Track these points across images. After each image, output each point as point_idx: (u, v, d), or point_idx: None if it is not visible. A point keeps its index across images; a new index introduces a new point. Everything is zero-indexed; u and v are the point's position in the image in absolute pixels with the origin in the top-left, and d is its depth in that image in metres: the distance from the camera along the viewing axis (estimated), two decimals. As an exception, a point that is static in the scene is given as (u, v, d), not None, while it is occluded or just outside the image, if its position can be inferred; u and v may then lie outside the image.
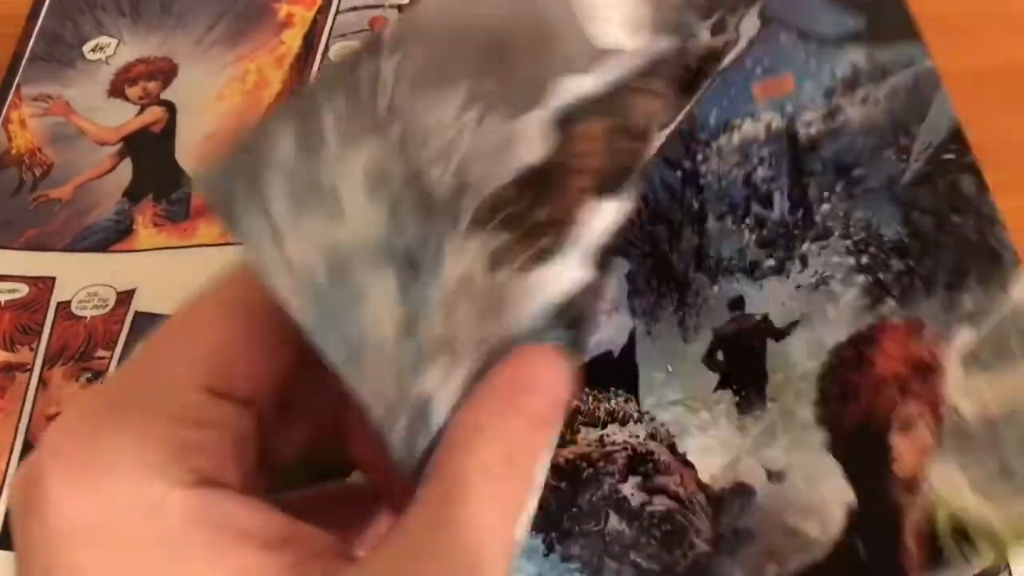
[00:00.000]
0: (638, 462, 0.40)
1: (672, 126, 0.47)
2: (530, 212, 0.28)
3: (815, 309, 0.41)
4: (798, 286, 0.42)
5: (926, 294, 0.40)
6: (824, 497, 0.38)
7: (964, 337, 0.39)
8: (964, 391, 0.38)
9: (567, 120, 0.30)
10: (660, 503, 0.39)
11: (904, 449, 0.38)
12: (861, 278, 0.41)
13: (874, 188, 0.43)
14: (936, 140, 0.43)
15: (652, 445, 0.40)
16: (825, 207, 0.43)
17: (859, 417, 0.39)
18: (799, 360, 0.40)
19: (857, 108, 0.45)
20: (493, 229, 0.28)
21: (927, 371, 0.38)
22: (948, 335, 0.39)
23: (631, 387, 0.42)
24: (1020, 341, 0.38)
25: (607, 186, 0.30)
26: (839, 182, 0.44)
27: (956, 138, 0.43)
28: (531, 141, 0.29)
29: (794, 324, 0.41)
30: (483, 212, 0.28)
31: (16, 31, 0.53)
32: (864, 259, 0.42)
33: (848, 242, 0.42)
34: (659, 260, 0.45)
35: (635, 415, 0.41)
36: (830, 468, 0.38)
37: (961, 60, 0.48)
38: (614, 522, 0.39)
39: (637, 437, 0.40)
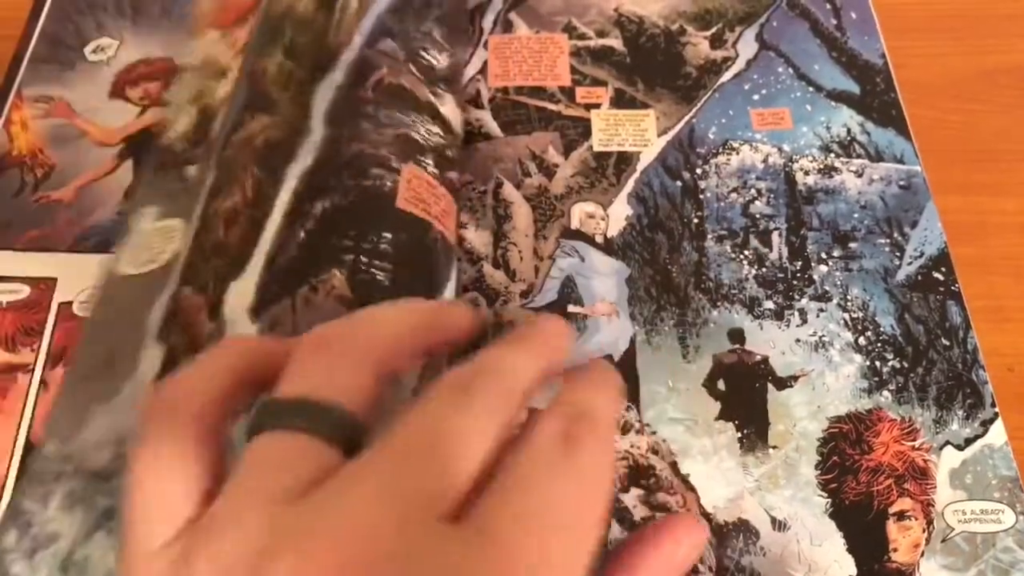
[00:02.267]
0: (639, 474, 0.43)
1: (671, 133, 0.54)
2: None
3: (815, 370, 0.47)
4: (797, 339, 0.48)
5: (920, 402, 0.46)
6: (827, 559, 0.42)
7: (951, 457, 0.45)
8: (950, 506, 0.43)
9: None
10: (663, 521, 0.40)
11: (899, 539, 0.43)
12: (859, 358, 0.47)
13: (869, 271, 0.50)
14: (927, 253, 0.51)
15: (654, 460, 0.44)
16: (823, 268, 0.50)
17: (858, 496, 0.43)
18: (800, 417, 0.45)
19: (852, 177, 0.52)
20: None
21: (920, 475, 0.44)
22: (938, 450, 0.45)
23: (632, 396, 0.45)
24: (999, 484, 0.44)
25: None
26: (836, 247, 0.51)
27: (945, 261, 0.50)
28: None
29: (794, 378, 0.46)
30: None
31: (17, 33, 0.59)
32: (862, 340, 0.48)
33: (846, 315, 0.48)
34: (658, 269, 0.50)
35: (636, 425, 0.44)
36: (832, 534, 0.42)
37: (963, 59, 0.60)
38: (616, 531, 0.42)
39: (638, 448, 0.44)
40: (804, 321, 0.48)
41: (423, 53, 0.49)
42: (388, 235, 0.41)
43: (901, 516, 0.43)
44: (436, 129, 0.47)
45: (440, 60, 0.49)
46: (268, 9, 0.49)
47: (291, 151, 0.43)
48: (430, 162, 0.45)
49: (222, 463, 0.29)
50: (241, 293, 0.40)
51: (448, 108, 0.48)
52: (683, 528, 0.33)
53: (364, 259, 0.40)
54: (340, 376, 0.30)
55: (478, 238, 0.50)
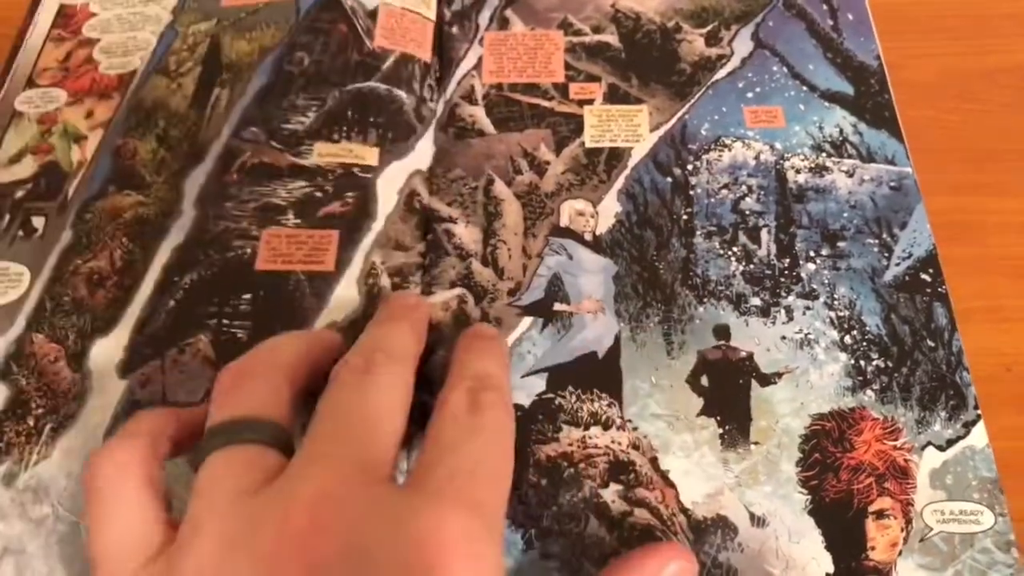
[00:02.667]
0: (619, 470, 0.44)
1: (663, 128, 0.55)
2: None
3: (799, 368, 0.47)
4: (783, 336, 0.48)
5: (903, 402, 0.46)
6: (804, 556, 0.42)
7: (932, 457, 0.45)
8: (930, 506, 0.44)
9: None
10: (641, 516, 0.43)
11: (877, 538, 0.43)
12: (844, 356, 0.48)
13: (857, 270, 0.50)
14: (915, 254, 0.51)
15: (634, 455, 0.44)
16: (811, 267, 0.50)
17: (838, 493, 0.44)
18: (783, 413, 0.46)
19: (843, 177, 0.53)
20: None
21: (901, 474, 0.45)
22: (919, 450, 0.45)
23: (615, 392, 0.46)
24: (979, 485, 0.44)
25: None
26: (824, 246, 0.51)
27: (933, 263, 0.51)
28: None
29: (778, 375, 0.47)
30: None
31: (12, 32, 0.61)
32: (847, 339, 0.48)
33: (832, 314, 0.49)
34: (646, 266, 0.50)
35: (617, 421, 0.45)
36: (810, 531, 0.43)
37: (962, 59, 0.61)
38: (594, 526, 0.42)
39: (619, 444, 0.44)
40: (790, 318, 0.48)
41: (284, 126, 0.54)
42: (247, 296, 0.47)
43: (880, 515, 0.43)
44: (300, 183, 0.52)
45: (305, 119, 0.54)
46: (136, 95, 0.57)
47: (163, 229, 0.50)
48: (291, 216, 0.50)
49: (165, 501, 0.35)
50: (107, 350, 0.46)
51: (317, 154, 0.53)
52: (670, 551, 0.38)
53: (226, 321, 0.47)
54: (261, 395, 0.36)
55: (468, 234, 0.50)
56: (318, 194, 0.51)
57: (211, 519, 0.31)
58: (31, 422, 0.45)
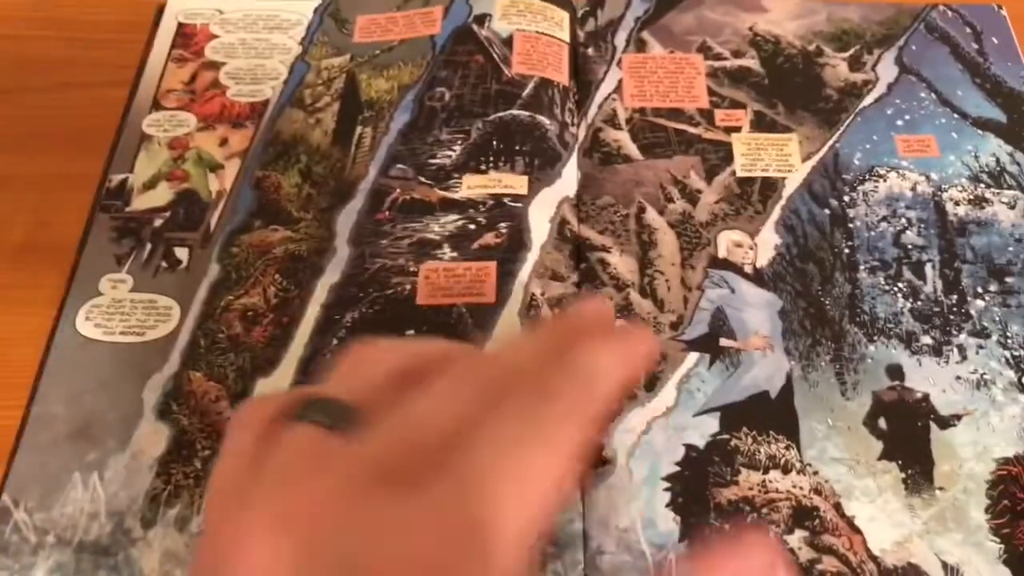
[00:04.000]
0: (803, 516, 0.43)
1: (815, 158, 0.54)
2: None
3: (978, 410, 0.46)
4: (958, 377, 0.47)
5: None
6: (1003, 610, 0.41)
7: None
8: None
9: None
10: (830, 564, 0.41)
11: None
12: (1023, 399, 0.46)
13: (1028, 307, 0.49)
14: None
15: (817, 500, 0.43)
16: (979, 303, 0.49)
17: (1033, 541, 0.43)
18: (966, 457, 0.44)
19: (1005, 209, 0.52)
20: None
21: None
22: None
23: (791, 434, 0.45)
24: None
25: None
26: (992, 282, 0.50)
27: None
28: None
29: (957, 417, 0.45)
30: None
31: (135, 40, 0.61)
32: (1025, 379, 0.47)
33: (1007, 353, 0.47)
34: (811, 302, 0.49)
35: (797, 465, 0.44)
36: (1009, 582, 0.42)
37: None
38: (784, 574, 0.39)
39: (801, 489, 0.43)
40: (964, 358, 0.47)
41: (431, 161, 0.54)
42: (411, 332, 0.48)
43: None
44: (452, 216, 0.52)
45: (452, 153, 0.54)
46: (273, 127, 0.57)
47: (319, 267, 0.50)
48: (446, 250, 0.51)
49: None
50: (270, 390, 0.46)
51: (466, 187, 0.53)
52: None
53: None
54: (351, 376, 0.35)
55: (623, 264, 0.50)
56: (471, 226, 0.51)
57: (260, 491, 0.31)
58: (199, 464, 0.45)
